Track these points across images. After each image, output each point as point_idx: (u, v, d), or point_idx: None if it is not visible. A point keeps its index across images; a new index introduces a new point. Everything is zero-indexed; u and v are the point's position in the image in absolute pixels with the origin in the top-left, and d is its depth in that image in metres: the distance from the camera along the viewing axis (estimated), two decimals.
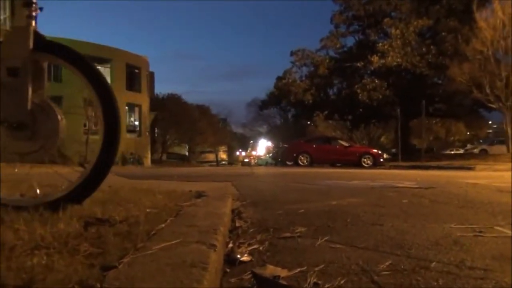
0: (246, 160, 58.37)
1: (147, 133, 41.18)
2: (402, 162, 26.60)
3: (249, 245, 2.02)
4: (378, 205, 3.48)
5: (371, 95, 27.57)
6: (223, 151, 68.10)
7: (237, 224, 2.47)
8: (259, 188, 5.32)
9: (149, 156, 40.82)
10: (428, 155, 29.93)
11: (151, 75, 44.30)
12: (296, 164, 23.25)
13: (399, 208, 3.32)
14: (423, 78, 27.52)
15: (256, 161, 56.88)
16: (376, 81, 27.75)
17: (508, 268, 1.61)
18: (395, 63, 26.75)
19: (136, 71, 39.03)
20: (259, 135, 69.89)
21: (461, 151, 42.42)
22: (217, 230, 1.68)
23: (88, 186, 1.95)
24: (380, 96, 27.55)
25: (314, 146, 23.84)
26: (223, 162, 62.04)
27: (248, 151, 72.89)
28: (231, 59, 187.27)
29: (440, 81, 28.34)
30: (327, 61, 32.11)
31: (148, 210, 1.98)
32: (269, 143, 64.08)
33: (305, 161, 23.38)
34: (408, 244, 2.03)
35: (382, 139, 48.18)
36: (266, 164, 38.95)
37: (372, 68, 28.58)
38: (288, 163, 23.83)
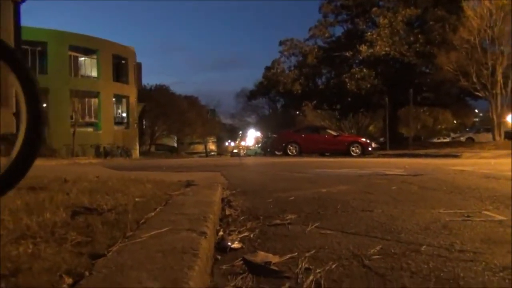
0: (235, 150, 58.34)
1: (135, 125, 40.82)
2: (390, 150, 26.80)
3: (240, 232, 2.01)
4: (368, 192, 3.49)
5: (359, 85, 27.62)
6: (212, 142, 67.96)
7: (227, 213, 2.46)
8: (248, 178, 5.31)
9: (138, 148, 40.51)
10: (416, 144, 30.19)
11: (138, 66, 43.79)
12: (285, 154, 23.28)
13: (388, 195, 3.33)
14: (411, 67, 27.64)
15: (245, 151, 56.88)
16: (365, 71, 27.78)
17: (496, 250, 1.63)
18: (383, 52, 26.80)
19: (123, 62, 38.51)
20: (248, 125, 69.74)
21: (448, 139, 42.89)
22: (207, 218, 1.67)
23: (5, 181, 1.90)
24: (369, 85, 27.62)
25: (303, 135, 23.88)
26: (212, 153, 61.92)
27: (237, 141, 72.81)
28: (219, 49, 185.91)
29: (427, 70, 28.47)
30: (316, 50, 32.03)
31: (136, 199, 1.95)
32: (258, 134, 64.03)
33: (294, 151, 23.42)
34: (398, 229, 2.04)
35: (371, 128, 48.45)
36: (255, 154, 38.97)
37: (361, 58, 28.59)
38: (277, 153, 23.86)
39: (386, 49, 27.07)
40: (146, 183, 2.83)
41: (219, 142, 70.37)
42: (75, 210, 1.45)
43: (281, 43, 34.21)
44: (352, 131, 38.86)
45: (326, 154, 21.92)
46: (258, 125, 62.74)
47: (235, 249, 1.70)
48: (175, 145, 59.22)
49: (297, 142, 23.69)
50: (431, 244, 1.73)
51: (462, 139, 35.25)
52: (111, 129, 36.75)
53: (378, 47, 27.23)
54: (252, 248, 1.74)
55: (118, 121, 39.62)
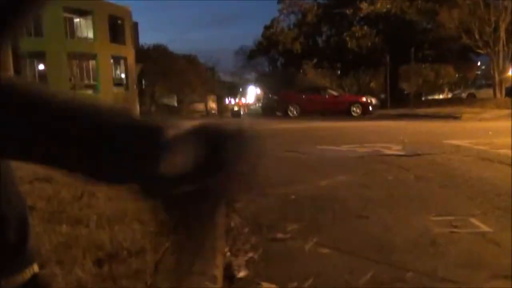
0: (236, 109, 58.20)
1: (135, 86, 40.63)
2: (391, 109, 26.88)
3: (245, 252, 2.20)
4: (365, 186, 3.66)
5: (360, 43, 27.33)
6: (212, 100, 67.74)
7: (232, 224, 2.63)
8: None
9: (138, 109, 40.51)
10: (417, 101, 30.25)
11: (135, 26, 43.00)
12: (286, 114, 23.44)
13: (385, 189, 3.50)
14: (413, 24, 27.23)
15: (246, 110, 56.85)
16: (365, 29, 27.40)
17: (474, 277, 1.81)
18: (384, 10, 26.32)
19: (119, 22, 37.80)
20: (248, 82, 69.09)
21: (450, 96, 42.80)
22: (215, 256, 1.84)
23: None
24: (369, 44, 27.33)
25: (303, 96, 23.95)
26: (213, 112, 61.88)
27: (238, 99, 72.43)
28: (217, 4, 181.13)
29: (429, 27, 28.07)
30: (315, 8, 31.37)
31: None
32: (258, 91, 63.64)
33: (295, 111, 23.56)
34: (390, 246, 2.21)
35: (372, 84, 48.15)
36: (256, 114, 39.01)
37: (361, 15, 28.10)
38: (278, 113, 24.01)
39: (387, 6, 26.52)
40: None
41: (219, 100, 70.06)
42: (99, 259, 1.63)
43: (279, 1, 33.44)
44: (353, 88, 38.68)
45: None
46: (258, 83, 62.25)
47: (241, 278, 1.89)
48: (176, 104, 59.05)
49: (298, 103, 23.76)
50: (417, 268, 1.91)
51: (464, 95, 35.20)
52: (110, 91, 36.63)
53: (379, 4, 26.68)
54: (257, 274, 1.92)
55: (117, 83, 39.43)
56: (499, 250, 2.13)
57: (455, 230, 2.44)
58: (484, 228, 2.46)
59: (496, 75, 24.60)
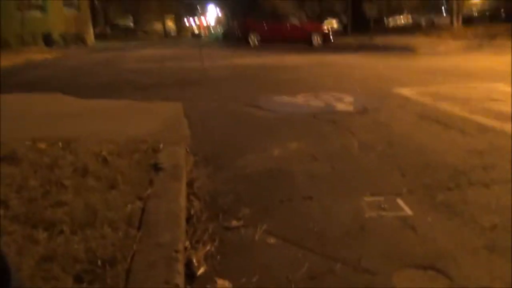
0: (197, 32, 56.22)
1: (87, 7, 38.16)
2: (352, 36, 27.01)
3: (203, 244, 2.52)
4: (313, 157, 4.01)
5: None
6: (171, 20, 65.19)
7: (192, 212, 2.93)
8: (211, 122, 5.74)
9: (92, 31, 38.48)
10: (377, 27, 30.44)
11: None
12: (247, 43, 23.19)
13: (330, 162, 3.86)
14: None
15: (206, 32, 55.16)
16: None
17: (388, 267, 2.23)
18: None
19: None
20: (208, 1, 66.24)
21: (409, 18, 42.99)
22: (178, 256, 2.16)
23: None
24: None
25: (264, 25, 23.59)
26: (172, 34, 59.75)
27: (198, 21, 69.56)
28: None
29: None
30: None
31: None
32: (219, 12, 61.39)
33: (255, 41, 23.31)
34: (327, 234, 2.56)
35: (335, 7, 47.30)
36: (217, 39, 38.07)
37: None
38: (239, 41, 23.72)
39: None
40: (104, 162, 3.31)
41: (178, 19, 67.32)
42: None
43: None
44: (316, 10, 38.05)
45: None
46: (219, 3, 59.83)
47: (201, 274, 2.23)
48: (131, 25, 56.46)
49: (259, 32, 23.46)
50: (345, 260, 2.30)
51: (423, 22, 35.53)
52: (60, 12, 34.31)
53: None
54: (213, 269, 2.27)
55: (67, 4, 36.84)
56: (415, 237, 2.53)
57: (383, 213, 2.84)
58: (407, 211, 2.86)
59: (454, 2, 24.90)
